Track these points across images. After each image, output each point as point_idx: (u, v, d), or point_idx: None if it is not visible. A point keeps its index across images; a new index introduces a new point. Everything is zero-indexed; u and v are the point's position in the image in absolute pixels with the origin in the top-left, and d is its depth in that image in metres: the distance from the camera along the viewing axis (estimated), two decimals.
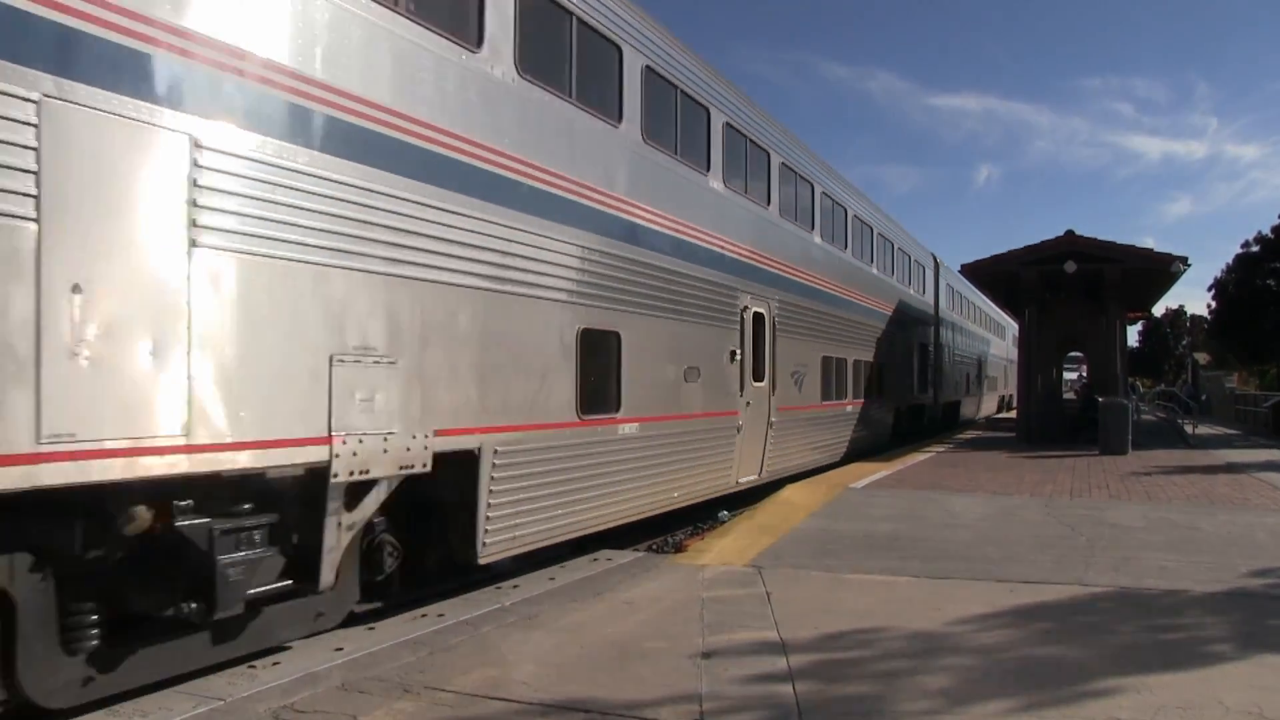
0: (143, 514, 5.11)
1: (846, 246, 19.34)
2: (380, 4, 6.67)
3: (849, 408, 19.13)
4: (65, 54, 4.72)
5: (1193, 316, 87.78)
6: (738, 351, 12.89)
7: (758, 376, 13.67)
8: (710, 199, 12.36)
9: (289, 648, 6.17)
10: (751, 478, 13.67)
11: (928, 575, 8.12)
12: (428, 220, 7.04)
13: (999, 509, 12.08)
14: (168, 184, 5.11)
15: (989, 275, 26.91)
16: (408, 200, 6.85)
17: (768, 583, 7.79)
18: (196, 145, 5.28)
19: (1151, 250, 25.03)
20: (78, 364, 4.66)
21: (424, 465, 6.86)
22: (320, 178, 6.09)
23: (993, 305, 40.10)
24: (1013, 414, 35.53)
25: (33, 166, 4.53)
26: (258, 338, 5.62)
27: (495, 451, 7.75)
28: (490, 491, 7.72)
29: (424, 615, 6.95)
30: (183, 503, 5.28)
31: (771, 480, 14.24)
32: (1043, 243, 24.54)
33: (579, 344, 9.01)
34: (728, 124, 12.77)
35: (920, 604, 7.11)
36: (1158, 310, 63.61)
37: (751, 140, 13.82)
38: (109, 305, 4.80)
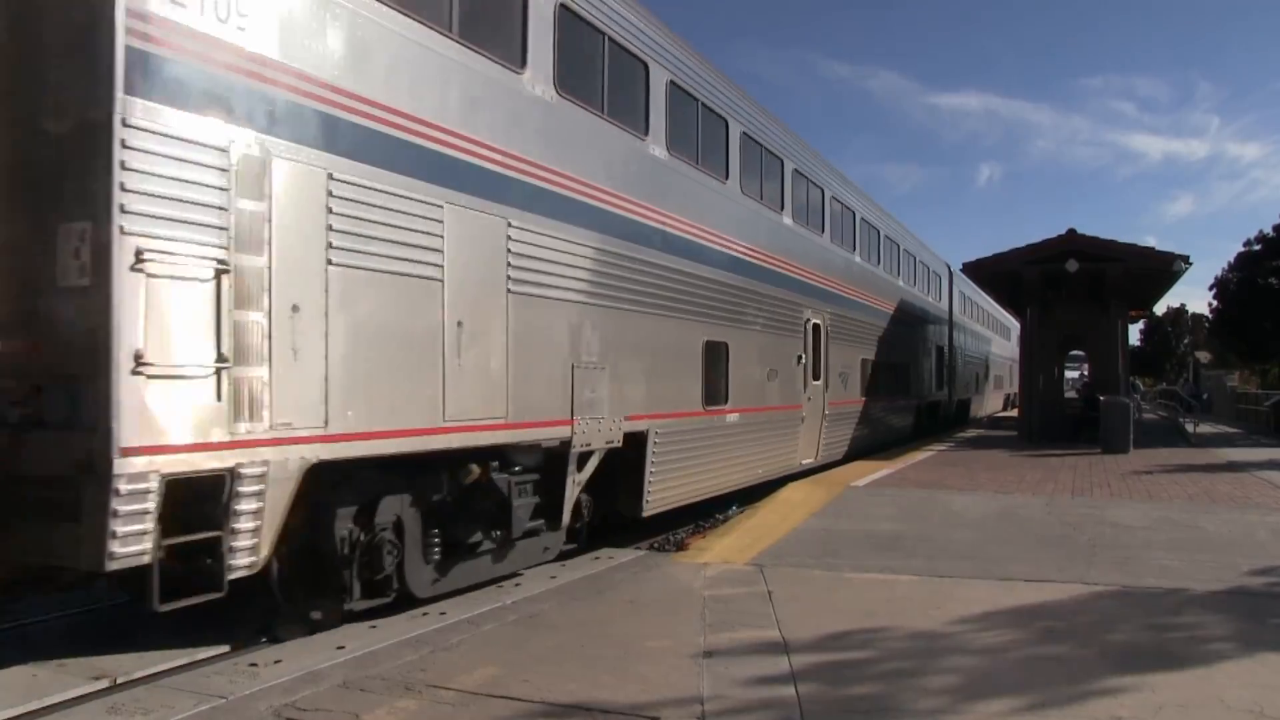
0: (474, 470, 7.67)
1: (879, 262, 22.21)
2: (591, 111, 9.43)
3: (883, 403, 21.84)
4: (457, 178, 7.46)
5: (1194, 315, 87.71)
6: (802, 356, 15.69)
7: (815, 376, 16.51)
8: (785, 233, 15.29)
9: (282, 644, 6.18)
10: (810, 460, 16.36)
11: (929, 574, 8.13)
12: (624, 265, 9.87)
13: (1000, 508, 12.08)
14: (497, 253, 7.84)
15: (991, 274, 26.91)
16: (615, 253, 9.68)
17: (769, 581, 7.79)
18: (509, 225, 7.97)
19: (1153, 249, 25.04)
20: (461, 370, 7.33)
21: (618, 441, 9.67)
22: (572, 242, 8.88)
23: (998, 307, 40.56)
24: (1015, 412, 35.63)
25: (441, 247, 7.15)
26: (539, 351, 8.42)
27: (656, 433, 10.52)
28: (652, 462, 10.47)
29: (425, 614, 6.95)
30: (494, 463, 7.88)
31: (824, 463, 16.89)
32: (1044, 241, 24.52)
33: (703, 352, 11.85)
34: (795, 170, 15.67)
35: (922, 603, 7.11)
36: (1159, 309, 63.62)
37: (812, 181, 16.88)
38: (472, 333, 7.46)
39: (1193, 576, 7.93)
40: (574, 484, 9.02)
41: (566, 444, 8.75)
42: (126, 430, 4.95)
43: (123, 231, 4.99)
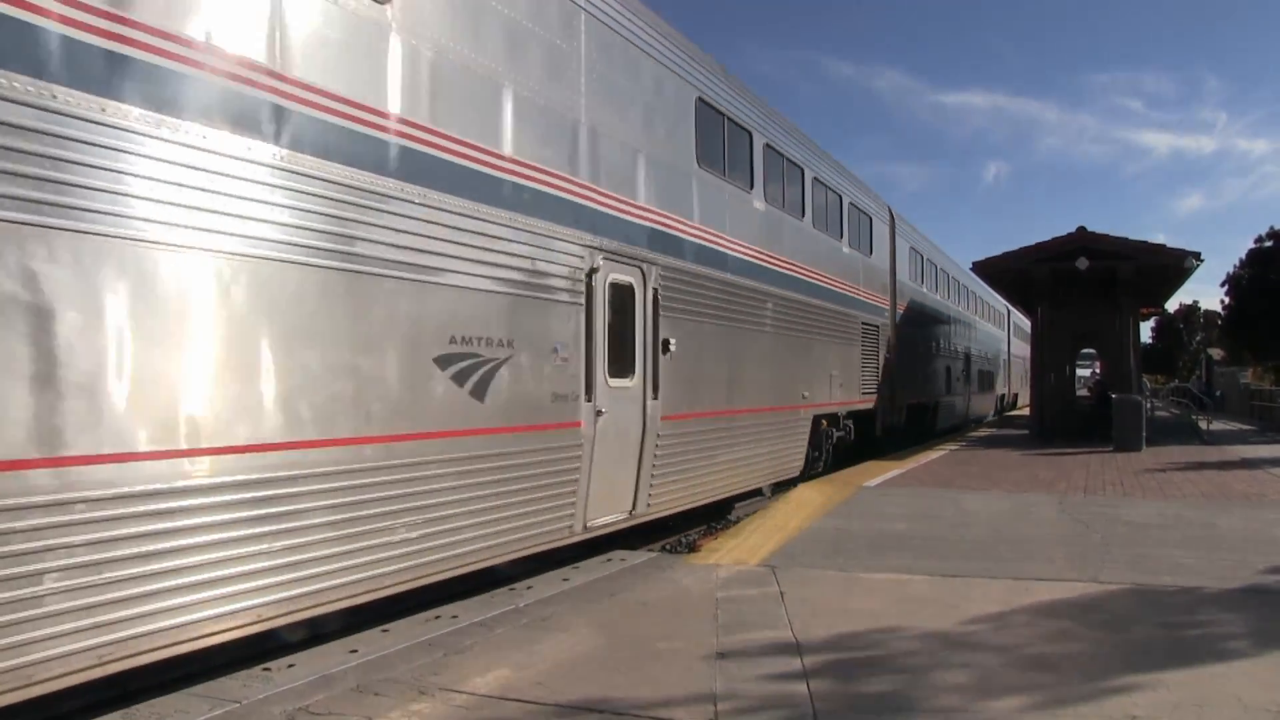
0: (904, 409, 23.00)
1: (981, 315, 37.41)
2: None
3: (986, 393, 38.86)
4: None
5: (1207, 312, 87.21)
6: (965, 370, 32.00)
7: (967, 380, 32.85)
8: (961, 317, 32.02)
9: (304, 651, 6.19)
10: (977, 416, 35.96)
11: (942, 574, 8.10)
12: (927, 340, 26.57)
13: (1012, 507, 12.05)
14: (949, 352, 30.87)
15: (1000, 272, 26.80)
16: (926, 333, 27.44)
17: (781, 582, 7.78)
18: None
19: (1164, 246, 24.87)
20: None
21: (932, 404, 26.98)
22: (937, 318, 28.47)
23: None
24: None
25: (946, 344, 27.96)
26: (933, 371, 27.13)
27: (937, 403, 27.25)
28: (937, 414, 27.12)
29: (438, 617, 6.96)
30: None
31: (972, 419, 35.01)
32: (1054, 239, 24.41)
33: (944, 369, 27.97)
34: (968, 289, 32.62)
35: (934, 602, 7.09)
36: (1171, 306, 63.34)
37: (970, 289, 33.84)
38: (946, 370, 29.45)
39: (1208, 574, 7.89)
40: (902, 413, 21.90)
41: (934, 404, 26.26)
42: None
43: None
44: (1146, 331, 70.06)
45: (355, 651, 5.98)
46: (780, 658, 5.72)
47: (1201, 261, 23.27)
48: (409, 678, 5.43)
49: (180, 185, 5.24)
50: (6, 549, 4.48)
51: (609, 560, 9.21)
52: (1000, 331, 43.33)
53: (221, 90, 5.53)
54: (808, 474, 15.14)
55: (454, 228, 7.15)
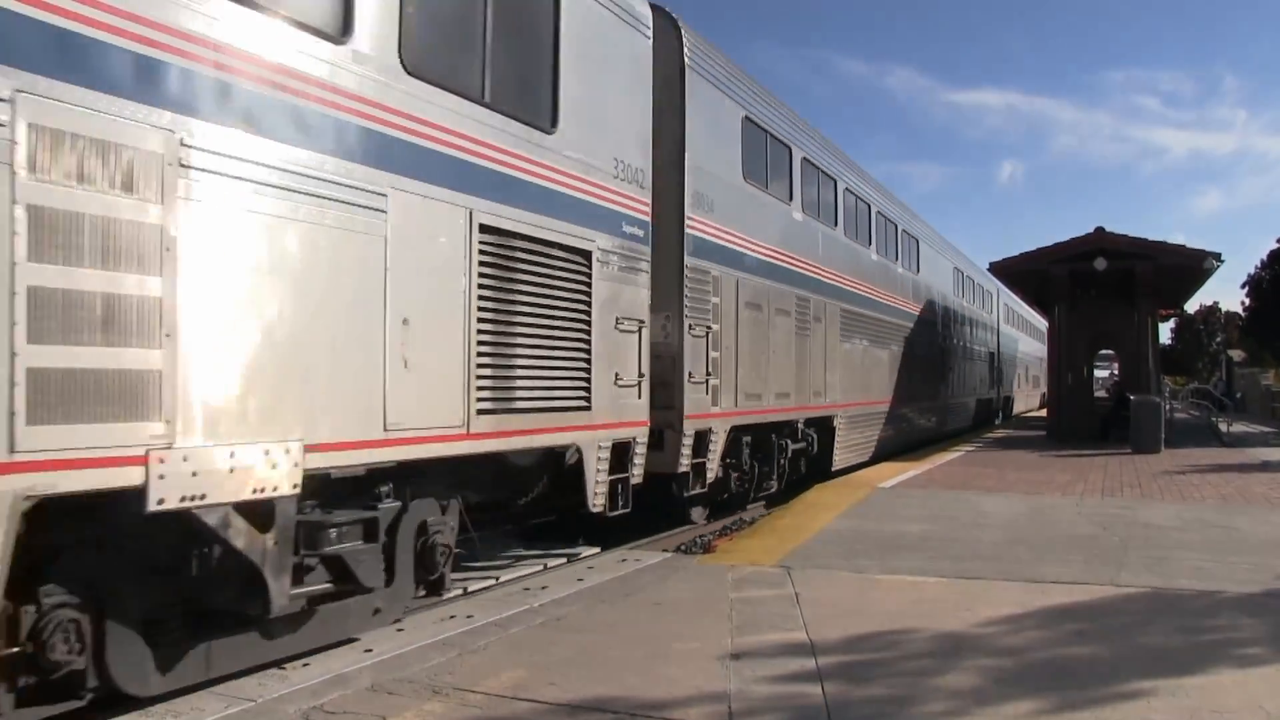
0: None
1: (1029, 333, 48.39)
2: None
3: (1035, 390, 51.75)
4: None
5: (1227, 313, 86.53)
6: (1025, 373, 47.23)
7: (1026, 381, 49.10)
8: (1010, 333, 43.05)
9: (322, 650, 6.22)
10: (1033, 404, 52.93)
11: (958, 575, 8.06)
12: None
13: (1030, 508, 11.97)
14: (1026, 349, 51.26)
15: (1018, 273, 26.69)
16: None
17: (796, 583, 7.76)
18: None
19: (1183, 246, 24.67)
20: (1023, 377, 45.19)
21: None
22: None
23: None
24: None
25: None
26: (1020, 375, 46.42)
27: (1013, 396, 43.04)
28: (1013, 403, 43.36)
29: (452, 617, 6.97)
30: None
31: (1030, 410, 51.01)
32: (1072, 240, 24.28)
33: (1020, 373, 46.32)
34: (1024, 317, 46.00)
35: (950, 604, 7.05)
36: (1190, 307, 62.81)
37: (1021, 314, 45.66)
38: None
39: (1227, 578, 7.82)
40: (998, 409, 36.94)
41: (1011, 396, 42.42)
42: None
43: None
44: (1166, 332, 69.73)
45: (370, 651, 6.01)
46: (794, 659, 5.70)
47: (1221, 262, 23.09)
48: (423, 677, 5.44)
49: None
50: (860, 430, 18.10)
51: (623, 561, 9.21)
52: (1041, 344, 55.83)
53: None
54: (973, 428, 30.32)
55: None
